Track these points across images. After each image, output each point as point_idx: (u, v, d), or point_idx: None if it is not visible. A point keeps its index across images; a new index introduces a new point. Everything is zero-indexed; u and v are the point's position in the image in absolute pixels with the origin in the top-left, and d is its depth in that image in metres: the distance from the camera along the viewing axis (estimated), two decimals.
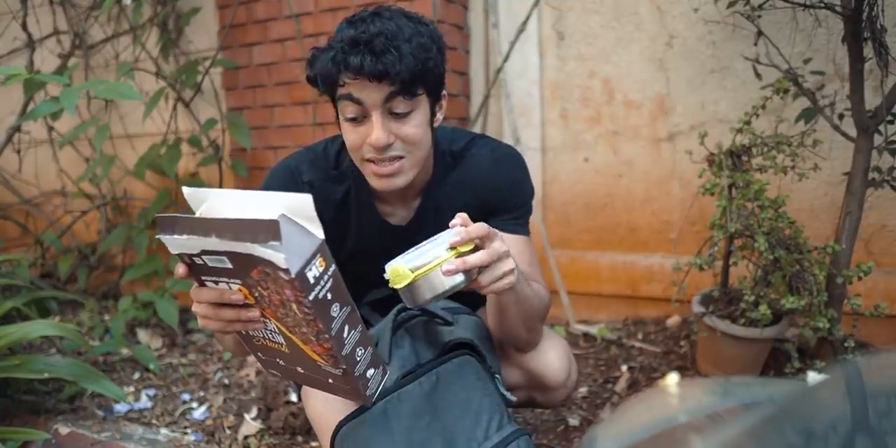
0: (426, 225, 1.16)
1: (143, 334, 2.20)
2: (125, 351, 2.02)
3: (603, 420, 1.50)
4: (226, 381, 1.86)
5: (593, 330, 1.96)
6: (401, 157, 1.02)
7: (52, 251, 2.70)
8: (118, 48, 2.55)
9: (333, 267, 0.75)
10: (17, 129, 2.30)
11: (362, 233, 1.18)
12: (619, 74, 1.96)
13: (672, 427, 0.49)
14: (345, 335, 0.80)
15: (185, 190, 0.78)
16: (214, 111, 2.39)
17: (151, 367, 1.91)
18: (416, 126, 1.01)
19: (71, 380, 1.57)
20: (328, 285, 0.74)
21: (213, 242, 0.71)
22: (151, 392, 1.79)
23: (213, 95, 2.39)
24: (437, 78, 1.02)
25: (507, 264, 0.89)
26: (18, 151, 2.55)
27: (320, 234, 0.73)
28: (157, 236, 0.74)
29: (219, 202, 0.76)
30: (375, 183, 1.05)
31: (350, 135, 1.02)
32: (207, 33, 2.40)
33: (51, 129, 2.54)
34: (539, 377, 1.18)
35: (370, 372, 0.87)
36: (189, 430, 1.58)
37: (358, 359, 0.84)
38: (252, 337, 0.87)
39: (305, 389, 1.11)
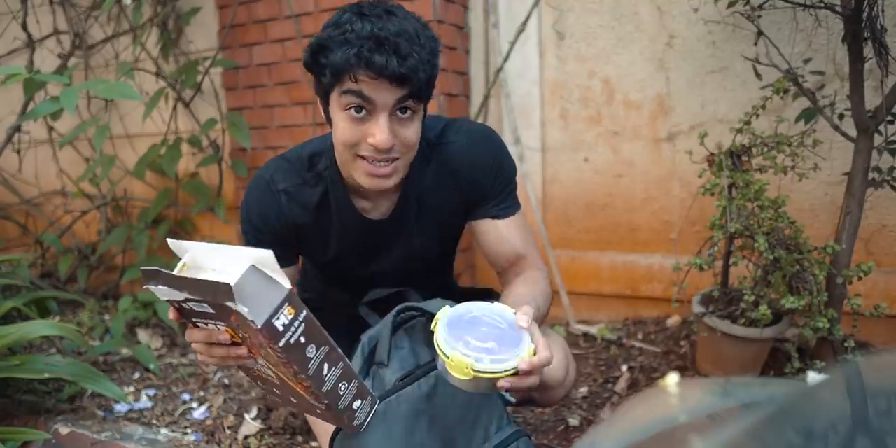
0: (407, 217, 1.16)
1: (143, 334, 2.19)
2: (125, 351, 2.02)
3: (603, 420, 1.50)
4: (226, 381, 1.86)
5: (593, 330, 1.96)
6: (396, 159, 1.02)
7: (52, 251, 2.70)
8: (118, 48, 2.55)
9: (304, 312, 0.79)
10: (17, 129, 2.30)
11: (344, 231, 1.17)
12: (619, 74, 1.96)
13: (672, 427, 0.49)
14: (324, 373, 0.83)
15: (170, 242, 0.82)
16: (214, 111, 2.39)
17: (151, 367, 1.91)
18: (416, 130, 1.02)
19: (71, 380, 1.56)
20: (300, 330, 0.78)
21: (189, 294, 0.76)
22: (151, 392, 1.79)
23: (213, 95, 2.39)
24: (435, 83, 1.03)
25: (536, 379, 0.87)
26: (18, 151, 2.55)
27: (287, 284, 0.77)
28: (144, 286, 0.79)
29: (199, 253, 0.80)
30: (367, 182, 1.03)
31: (347, 130, 0.99)
32: (207, 33, 2.40)
33: (51, 129, 2.54)
34: None
35: (357, 404, 0.91)
36: (189, 430, 1.58)
37: (341, 393, 0.87)
38: (249, 369, 0.91)
39: None
